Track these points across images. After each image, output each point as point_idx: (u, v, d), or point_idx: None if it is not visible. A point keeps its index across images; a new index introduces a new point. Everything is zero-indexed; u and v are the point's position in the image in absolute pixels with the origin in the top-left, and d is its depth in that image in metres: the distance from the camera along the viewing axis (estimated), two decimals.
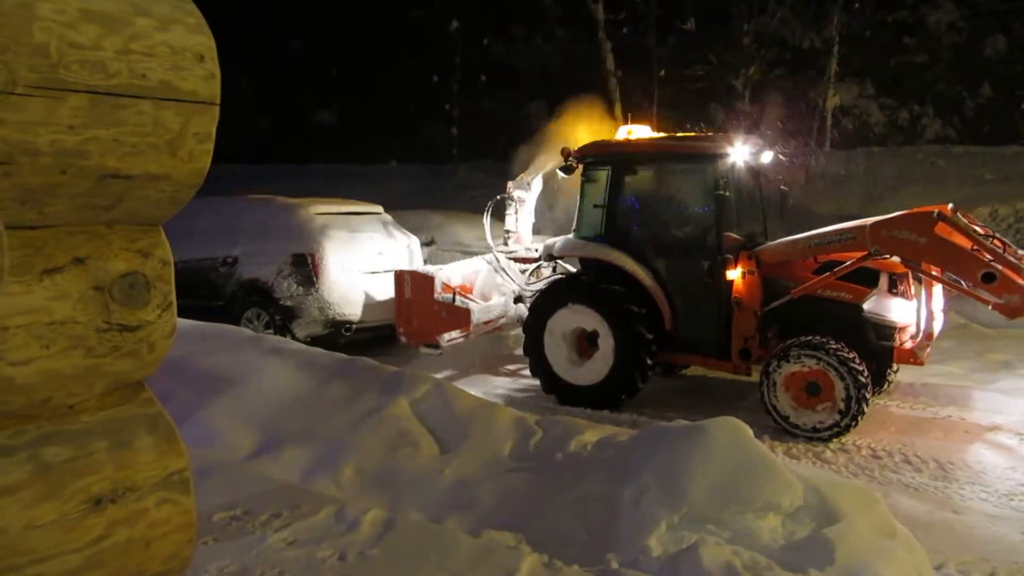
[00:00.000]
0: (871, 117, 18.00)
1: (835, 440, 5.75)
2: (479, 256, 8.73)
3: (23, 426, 1.16)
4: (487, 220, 8.28)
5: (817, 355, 5.77)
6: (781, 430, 5.89)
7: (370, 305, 8.52)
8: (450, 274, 7.95)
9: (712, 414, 3.87)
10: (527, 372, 7.22)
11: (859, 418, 5.72)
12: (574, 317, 6.80)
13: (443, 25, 22.47)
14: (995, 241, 5.72)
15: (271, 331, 8.26)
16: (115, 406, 1.28)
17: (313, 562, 3.09)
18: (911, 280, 6.18)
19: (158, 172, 1.19)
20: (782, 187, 7.66)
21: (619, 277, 6.71)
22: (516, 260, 8.22)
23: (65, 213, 1.15)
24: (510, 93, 21.71)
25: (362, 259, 8.63)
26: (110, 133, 1.11)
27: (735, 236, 6.69)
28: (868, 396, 5.74)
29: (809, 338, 5.86)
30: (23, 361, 1.12)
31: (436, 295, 7.56)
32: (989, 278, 5.48)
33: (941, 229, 5.63)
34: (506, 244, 8.45)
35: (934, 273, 6.07)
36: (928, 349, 6.27)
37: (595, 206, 7.03)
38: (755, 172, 7.30)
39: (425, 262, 9.68)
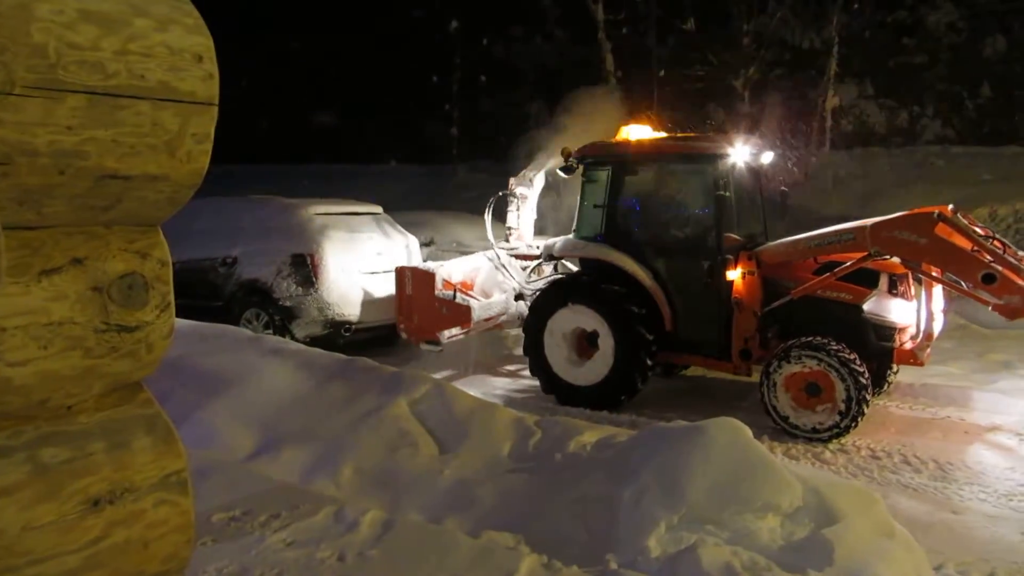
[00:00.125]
0: (871, 117, 18.03)
1: (834, 441, 5.75)
2: (480, 253, 8.72)
3: (21, 427, 1.16)
4: (488, 217, 8.27)
5: (818, 356, 5.77)
6: (781, 431, 5.89)
7: (369, 305, 8.51)
8: (451, 271, 7.93)
9: (712, 415, 3.86)
10: (527, 372, 7.22)
11: (859, 419, 5.71)
12: (574, 317, 6.80)
13: (443, 25, 22.48)
14: (995, 242, 5.72)
15: (270, 331, 8.25)
16: (113, 407, 1.28)
17: (312, 563, 3.09)
18: (911, 281, 6.17)
19: (156, 173, 1.19)
20: (782, 187, 7.66)
21: (619, 277, 6.71)
22: (517, 257, 8.21)
23: (63, 214, 1.15)
24: (510, 93, 21.74)
25: (361, 259, 8.62)
26: (108, 134, 1.11)
27: (735, 236, 6.68)
28: (868, 397, 5.74)
29: (810, 339, 5.85)
30: (21, 362, 1.12)
31: (437, 292, 7.54)
32: (989, 279, 5.48)
33: (941, 230, 5.63)
34: (507, 241, 8.43)
35: (934, 274, 6.08)
36: (928, 350, 6.27)
37: (595, 206, 7.03)
38: (755, 172, 7.29)
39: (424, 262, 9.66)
